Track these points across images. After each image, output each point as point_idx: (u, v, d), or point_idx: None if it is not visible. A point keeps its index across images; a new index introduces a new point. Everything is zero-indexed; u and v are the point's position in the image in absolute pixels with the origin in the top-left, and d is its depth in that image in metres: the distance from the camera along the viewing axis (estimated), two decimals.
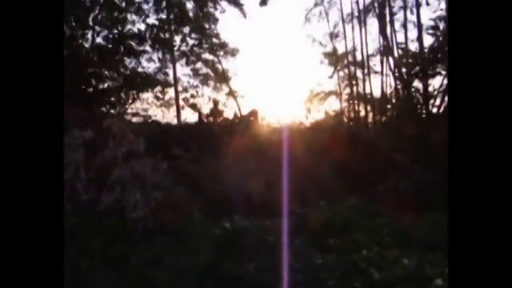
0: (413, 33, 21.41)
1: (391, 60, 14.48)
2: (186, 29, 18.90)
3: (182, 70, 23.22)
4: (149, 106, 18.93)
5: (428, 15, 30.54)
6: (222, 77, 20.70)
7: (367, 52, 17.51)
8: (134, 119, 16.60)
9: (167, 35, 18.08)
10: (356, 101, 17.64)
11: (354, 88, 17.73)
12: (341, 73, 20.54)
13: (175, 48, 19.00)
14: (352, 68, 18.26)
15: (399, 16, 15.18)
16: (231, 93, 20.89)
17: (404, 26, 14.70)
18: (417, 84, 12.88)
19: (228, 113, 16.67)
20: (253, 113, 14.72)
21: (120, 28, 15.81)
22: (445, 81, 11.98)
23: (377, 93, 16.46)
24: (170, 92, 19.43)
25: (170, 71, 19.00)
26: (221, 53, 20.45)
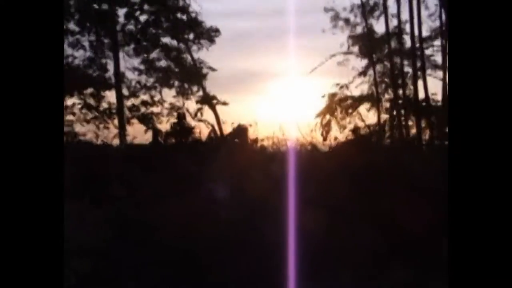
0: None
1: None
2: None
3: (129, 62, 18.84)
4: (75, 119, 17.19)
5: None
6: (192, 74, 17.66)
7: (420, 34, 15.75)
8: None
9: (104, 7, 16.52)
10: (404, 111, 16.31)
11: (400, 91, 16.43)
12: (378, 68, 17.35)
13: (118, 28, 17.06)
14: (398, 60, 16.52)
15: None
16: (206, 99, 17.51)
17: None
18: None
19: (201, 131, 13.75)
20: (241, 131, 12.82)
21: None
22: None
23: (438, 98, 15.68)
24: (110, 96, 17.59)
25: (109, 65, 17.27)
26: (191, 36, 17.43)
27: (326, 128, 16.11)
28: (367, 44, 17.17)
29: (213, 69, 17.26)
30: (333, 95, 17.11)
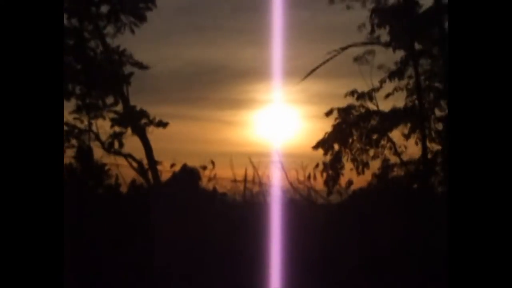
0: None
1: None
2: None
3: None
4: None
5: None
6: (105, 74, 13.16)
7: None
8: None
9: None
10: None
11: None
12: (425, 65, 12.72)
13: None
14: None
15: None
16: (129, 118, 13.19)
17: None
18: None
19: (120, 175, 11.80)
20: (187, 177, 11.55)
21: None
22: None
23: None
24: None
25: None
26: (105, 8, 13.27)
27: (332, 168, 12.70)
28: (406, 25, 12.92)
29: (143, 66, 13.07)
30: (345, 112, 12.83)
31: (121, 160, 13.26)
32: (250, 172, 12.09)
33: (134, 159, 12.79)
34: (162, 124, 13.01)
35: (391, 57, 13.74)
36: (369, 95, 12.88)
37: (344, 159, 12.74)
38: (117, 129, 13.49)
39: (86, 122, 13.23)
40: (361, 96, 12.82)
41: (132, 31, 13.03)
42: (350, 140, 13.25)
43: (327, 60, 12.83)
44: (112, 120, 13.29)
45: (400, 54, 13.34)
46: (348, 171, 12.88)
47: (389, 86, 13.45)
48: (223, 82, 19.41)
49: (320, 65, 12.88)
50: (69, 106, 13.70)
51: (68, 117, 13.46)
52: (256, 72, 16.52)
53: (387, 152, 12.98)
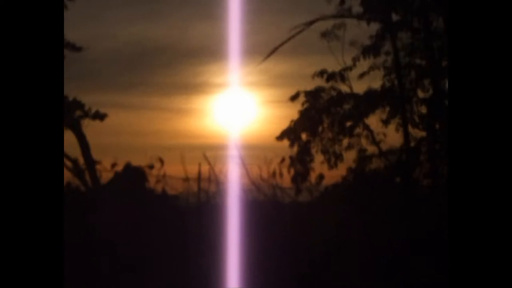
0: None
1: None
2: None
3: None
4: None
5: None
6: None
7: None
8: None
9: None
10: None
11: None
12: (404, 38, 11.70)
13: None
14: (441, 23, 11.73)
15: None
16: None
17: None
18: None
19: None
20: (132, 177, 10.76)
21: None
22: None
23: None
24: None
25: None
26: None
27: (300, 162, 11.56)
28: None
29: (74, 48, 11.65)
30: (314, 95, 11.76)
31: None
32: (205, 169, 11.04)
33: (68, 157, 11.57)
34: (100, 116, 11.95)
35: (365, 31, 12.77)
36: (340, 76, 11.86)
37: (313, 151, 11.79)
38: None
39: None
40: (331, 76, 11.83)
41: (65, 6, 11.83)
42: (320, 129, 12.25)
43: (292, 36, 11.67)
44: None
45: (375, 27, 12.39)
46: (319, 165, 11.98)
47: (363, 65, 12.43)
48: (170, 64, 18.04)
49: (284, 42, 11.75)
50: None
51: None
52: (209, 51, 15.08)
53: (363, 141, 11.99)
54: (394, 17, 11.90)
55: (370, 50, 11.46)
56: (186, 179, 10.93)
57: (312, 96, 11.66)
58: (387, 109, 11.75)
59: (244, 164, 11.27)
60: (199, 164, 11.02)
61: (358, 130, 11.90)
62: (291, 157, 11.68)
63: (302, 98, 11.84)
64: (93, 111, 11.92)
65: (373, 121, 12.12)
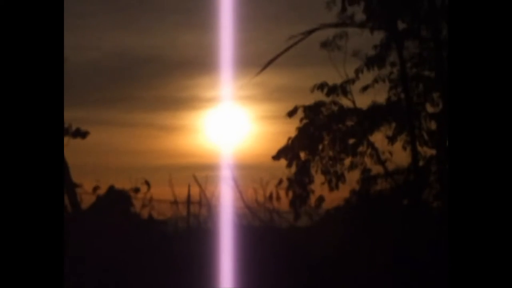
0: None
1: None
2: None
3: None
4: None
5: None
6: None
7: None
8: None
9: None
10: None
11: None
12: (411, 48, 11.27)
13: None
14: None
15: None
16: None
17: None
18: None
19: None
20: (118, 200, 10.46)
21: None
22: None
23: None
24: None
25: None
26: None
27: (299, 183, 10.91)
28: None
29: None
30: (313, 111, 11.25)
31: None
32: (195, 192, 10.90)
33: None
34: (80, 134, 11.58)
35: (368, 40, 12.31)
36: (342, 89, 11.49)
37: (313, 171, 11.30)
38: None
39: None
40: (332, 90, 11.48)
41: None
42: (320, 147, 11.75)
43: (290, 46, 11.17)
44: None
45: (379, 36, 11.91)
46: (319, 187, 11.43)
47: (367, 77, 12.04)
48: (157, 77, 17.28)
49: (281, 52, 11.25)
50: None
51: None
52: (199, 62, 14.40)
53: (367, 160, 11.53)
54: (400, 25, 11.44)
55: (374, 61, 11.02)
56: (175, 203, 10.69)
57: (312, 111, 11.15)
58: (393, 125, 11.31)
59: (238, 186, 10.96)
60: (189, 186, 10.88)
61: (361, 148, 11.47)
62: (288, 178, 11.25)
63: (300, 114, 11.37)
64: (73, 128, 11.34)
65: (378, 138, 11.73)
